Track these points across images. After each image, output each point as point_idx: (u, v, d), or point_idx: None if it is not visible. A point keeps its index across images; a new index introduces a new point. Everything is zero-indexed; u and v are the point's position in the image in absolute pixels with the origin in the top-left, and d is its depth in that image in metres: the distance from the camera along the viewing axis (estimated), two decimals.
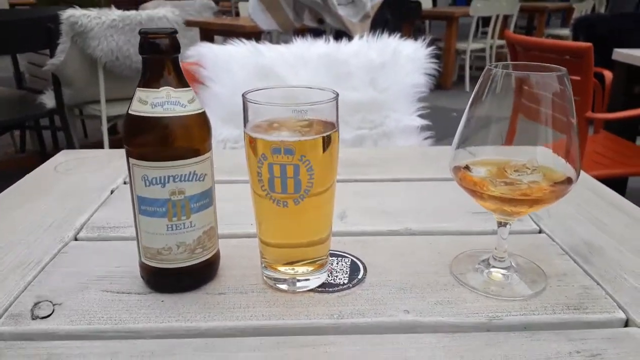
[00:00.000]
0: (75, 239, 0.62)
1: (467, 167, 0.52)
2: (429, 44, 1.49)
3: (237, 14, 5.18)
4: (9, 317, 0.47)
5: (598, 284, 0.53)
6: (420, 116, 1.41)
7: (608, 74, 2.51)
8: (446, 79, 5.40)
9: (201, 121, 0.49)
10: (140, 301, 0.49)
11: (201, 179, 0.49)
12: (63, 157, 0.91)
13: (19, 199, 0.73)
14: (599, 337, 0.45)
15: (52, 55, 2.51)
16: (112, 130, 3.00)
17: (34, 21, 2.68)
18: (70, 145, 2.80)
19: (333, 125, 0.49)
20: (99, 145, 3.04)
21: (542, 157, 0.50)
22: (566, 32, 6.28)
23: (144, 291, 0.51)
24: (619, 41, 2.45)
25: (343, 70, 1.40)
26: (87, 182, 0.79)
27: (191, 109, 0.48)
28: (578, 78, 1.91)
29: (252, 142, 0.49)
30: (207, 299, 0.50)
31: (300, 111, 0.48)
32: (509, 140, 0.52)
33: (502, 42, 5.65)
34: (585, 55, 1.85)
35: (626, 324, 0.48)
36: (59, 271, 0.55)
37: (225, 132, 1.29)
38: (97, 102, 2.69)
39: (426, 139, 1.42)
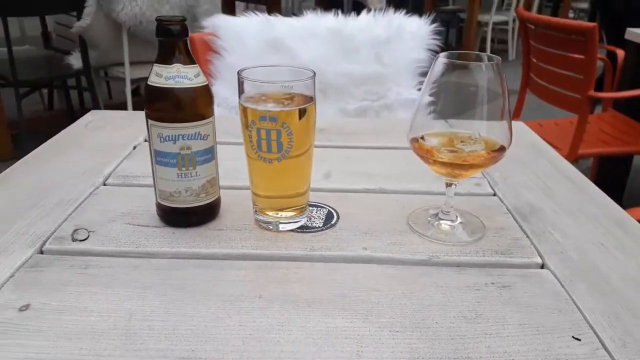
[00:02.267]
0: (104, 184, 0.76)
1: (422, 138, 0.64)
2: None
3: None
4: (54, 239, 0.61)
5: (527, 236, 0.65)
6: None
7: (620, 53, 2.54)
8: (467, 51, 5.37)
9: (205, 92, 0.61)
10: (155, 232, 0.63)
11: (205, 138, 0.62)
12: (92, 117, 1.05)
13: (57, 151, 0.87)
14: (513, 274, 0.57)
15: (79, 18, 2.63)
16: (135, 92, 3.14)
17: None
18: (96, 105, 2.95)
19: (311, 99, 0.61)
20: (122, 106, 3.19)
21: (485, 129, 0.61)
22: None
23: (159, 225, 0.64)
24: (636, 20, 2.47)
25: (350, 45, 1.50)
26: (113, 139, 0.92)
27: (197, 82, 0.60)
28: (582, 57, 1.98)
29: (244, 111, 0.61)
30: (209, 233, 0.63)
31: (287, 86, 0.61)
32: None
33: None
34: (590, 35, 1.90)
35: (542, 267, 0.60)
36: (92, 208, 0.68)
37: (236, 100, 1.40)
38: (122, 64, 2.82)
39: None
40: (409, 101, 1.52)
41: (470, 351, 0.46)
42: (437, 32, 1.56)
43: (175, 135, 0.60)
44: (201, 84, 0.61)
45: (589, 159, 2.65)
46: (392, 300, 0.52)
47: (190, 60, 0.60)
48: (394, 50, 1.52)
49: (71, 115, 3.35)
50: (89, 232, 0.62)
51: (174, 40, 0.59)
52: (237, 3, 4.28)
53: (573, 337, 0.48)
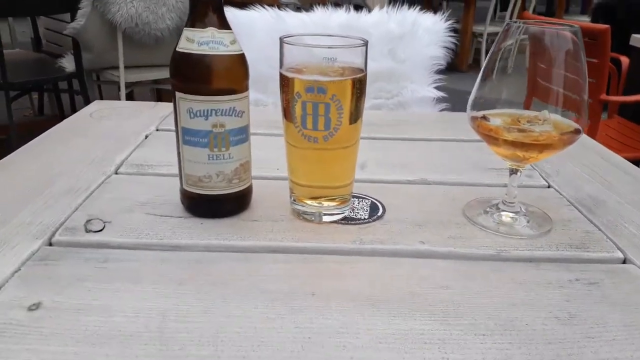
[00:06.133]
0: (116, 173, 0.67)
1: (484, 117, 0.57)
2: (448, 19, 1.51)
3: None
4: (65, 230, 0.53)
5: (600, 229, 0.58)
6: (437, 88, 1.45)
7: (625, 60, 2.51)
8: (462, 61, 5.38)
9: (242, 61, 0.54)
10: (181, 222, 0.55)
11: (240, 115, 0.54)
12: (96, 106, 0.96)
13: (60, 139, 0.79)
14: (597, 270, 0.50)
15: (72, 19, 2.55)
16: (128, 97, 3.05)
17: None
18: None
19: (362, 71, 0.54)
20: None
21: (554, 112, 0.54)
22: (585, 19, 6.21)
23: (184, 215, 0.56)
24: (638, 26, 2.45)
25: None
26: (121, 128, 0.84)
27: (233, 49, 0.53)
28: (595, 60, 1.93)
29: (286, 82, 0.53)
30: (242, 224, 0.55)
31: (331, 59, 0.53)
32: (525, 97, 0.56)
33: None
34: (602, 37, 1.86)
35: (624, 262, 0.52)
36: (105, 197, 0.60)
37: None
38: (115, 67, 2.73)
39: (442, 110, 1.46)
40: (424, 99, 1.46)
41: (575, 357, 0.38)
42: (453, 30, 1.51)
43: (207, 110, 0.52)
44: (238, 52, 0.53)
45: None
46: (469, 299, 0.45)
47: (225, 25, 0.52)
48: (409, 47, 1.46)
49: (62, 120, 3.24)
50: (104, 222, 0.54)
51: (209, 0, 0.51)
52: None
53: None
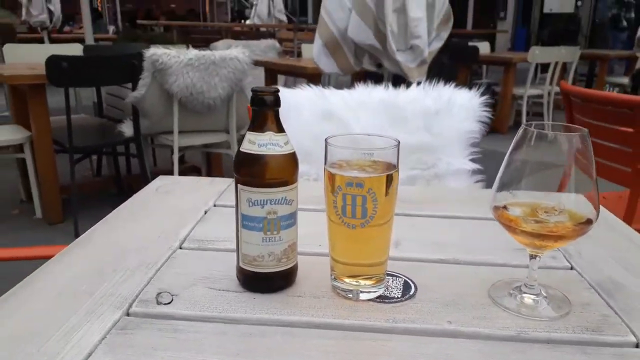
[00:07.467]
0: (180, 248, 0.77)
1: (505, 207, 0.64)
2: (484, 92, 1.59)
3: (299, 55, 5.45)
4: (140, 301, 0.62)
5: (616, 313, 0.62)
6: (473, 160, 1.52)
7: None
8: (502, 123, 5.41)
9: (293, 159, 0.64)
10: (237, 297, 0.63)
11: (290, 203, 0.63)
12: (160, 182, 1.08)
13: (132, 214, 0.90)
14: (610, 354, 0.55)
15: (134, 89, 2.78)
16: (180, 160, 3.23)
17: (120, 58, 2.98)
18: (144, 172, 3.05)
19: (394, 166, 0.62)
20: (168, 173, 3.28)
21: (568, 201, 0.61)
22: (628, 81, 6.19)
23: (239, 290, 0.65)
24: None
25: (400, 115, 1.53)
26: (183, 203, 0.95)
27: (286, 149, 0.63)
28: (631, 130, 1.96)
29: (330, 177, 0.62)
30: (289, 300, 0.63)
31: (369, 153, 0.62)
32: (545, 188, 0.63)
33: None
34: (639, 108, 1.90)
35: (636, 346, 0.57)
36: (172, 271, 0.69)
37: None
38: (170, 132, 2.93)
39: (477, 182, 1.52)
40: (460, 171, 1.53)
41: None
42: (489, 105, 1.59)
43: (263, 200, 0.61)
44: (290, 151, 0.63)
45: None
46: None
47: (280, 128, 0.63)
48: (444, 121, 1.55)
49: (118, 181, 3.46)
50: (172, 295, 0.63)
51: (268, 109, 0.62)
52: (278, 76, 4.50)
53: None
